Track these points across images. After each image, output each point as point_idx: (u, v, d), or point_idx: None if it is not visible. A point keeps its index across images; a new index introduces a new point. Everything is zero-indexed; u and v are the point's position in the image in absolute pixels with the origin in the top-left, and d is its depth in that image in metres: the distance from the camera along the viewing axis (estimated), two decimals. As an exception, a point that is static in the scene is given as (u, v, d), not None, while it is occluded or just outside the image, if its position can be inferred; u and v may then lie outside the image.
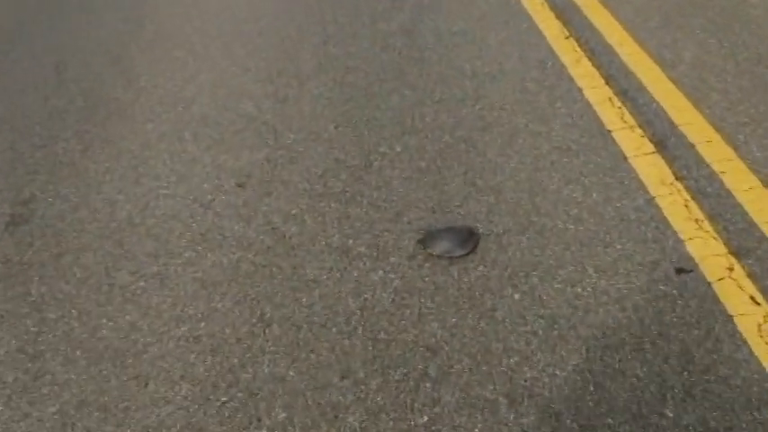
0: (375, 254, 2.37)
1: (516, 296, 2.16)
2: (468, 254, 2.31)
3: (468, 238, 2.34)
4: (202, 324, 2.20)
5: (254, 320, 2.19)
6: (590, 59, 3.29)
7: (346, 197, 2.63)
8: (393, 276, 2.28)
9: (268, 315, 2.20)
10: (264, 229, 2.54)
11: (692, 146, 2.69)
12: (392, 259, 2.34)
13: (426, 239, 2.37)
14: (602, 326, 2.04)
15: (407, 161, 2.78)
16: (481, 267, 2.27)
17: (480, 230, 2.40)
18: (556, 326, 2.05)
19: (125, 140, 3.11)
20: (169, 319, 2.23)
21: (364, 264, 2.34)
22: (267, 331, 2.15)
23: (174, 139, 3.08)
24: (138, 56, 3.83)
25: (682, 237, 2.30)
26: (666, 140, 2.73)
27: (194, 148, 3.01)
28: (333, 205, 2.60)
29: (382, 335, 2.09)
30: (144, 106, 3.35)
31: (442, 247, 2.33)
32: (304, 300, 2.24)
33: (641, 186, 2.51)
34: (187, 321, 2.22)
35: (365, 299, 2.21)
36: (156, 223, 2.62)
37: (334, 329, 2.13)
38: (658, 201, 2.44)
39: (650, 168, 2.59)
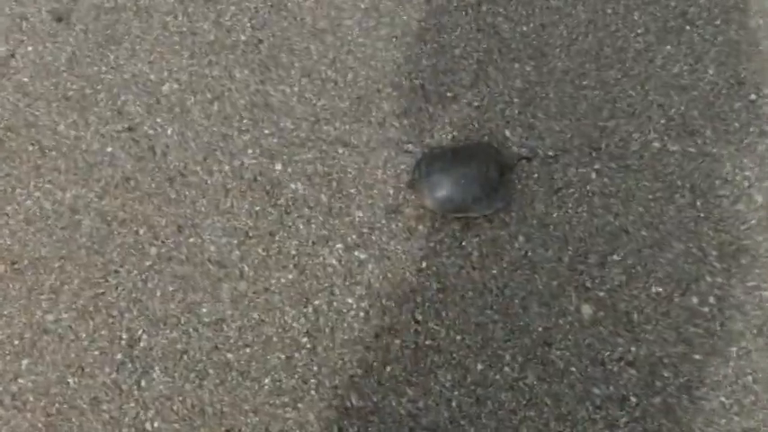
0: (324, 197, 1.29)
1: (590, 310, 1.22)
2: (496, 210, 1.27)
3: (496, 175, 1.27)
4: None
5: None
6: None
7: (262, 50, 1.42)
8: (363, 256, 1.25)
9: None
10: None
11: None
12: (358, 215, 1.28)
13: (420, 175, 1.28)
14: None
15: (370, -34, 1.50)
16: (521, 239, 1.26)
17: (516, 150, 1.33)
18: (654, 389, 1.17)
19: None
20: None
21: (306, 220, 1.28)
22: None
23: None
24: None
25: None
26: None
27: None
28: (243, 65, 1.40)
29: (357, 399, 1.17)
30: None
31: (447, 193, 1.26)
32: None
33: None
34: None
35: (316, 309, 1.22)
36: None
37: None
38: None
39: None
